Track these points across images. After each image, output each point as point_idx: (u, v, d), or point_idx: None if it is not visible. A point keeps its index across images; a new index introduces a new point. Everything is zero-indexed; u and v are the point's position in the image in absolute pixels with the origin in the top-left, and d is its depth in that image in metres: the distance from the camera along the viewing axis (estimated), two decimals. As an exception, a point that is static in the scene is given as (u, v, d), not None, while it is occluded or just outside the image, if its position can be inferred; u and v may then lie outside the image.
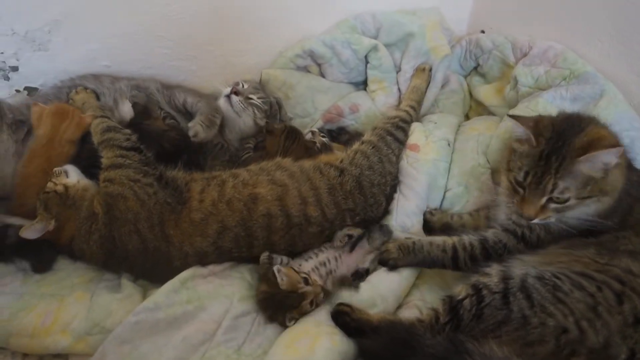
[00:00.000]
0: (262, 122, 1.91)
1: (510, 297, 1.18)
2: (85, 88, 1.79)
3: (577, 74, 1.82)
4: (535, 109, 1.78)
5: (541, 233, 1.42)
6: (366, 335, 1.31)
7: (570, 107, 1.79)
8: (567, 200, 1.28)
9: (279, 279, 1.38)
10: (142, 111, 1.80)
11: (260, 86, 2.02)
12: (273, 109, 1.96)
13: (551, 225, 1.38)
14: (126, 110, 1.80)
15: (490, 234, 1.49)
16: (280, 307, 1.39)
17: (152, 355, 1.31)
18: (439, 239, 1.53)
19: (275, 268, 1.39)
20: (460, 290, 1.26)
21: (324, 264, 1.50)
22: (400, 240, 1.58)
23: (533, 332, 1.14)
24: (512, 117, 1.41)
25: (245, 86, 1.93)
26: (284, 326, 1.38)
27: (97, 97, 1.81)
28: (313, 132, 1.83)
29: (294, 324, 1.37)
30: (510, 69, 2.06)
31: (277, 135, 1.83)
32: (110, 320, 1.39)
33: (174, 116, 1.87)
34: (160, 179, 1.52)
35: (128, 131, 1.60)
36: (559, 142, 1.29)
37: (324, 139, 1.83)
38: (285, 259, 1.51)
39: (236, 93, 1.87)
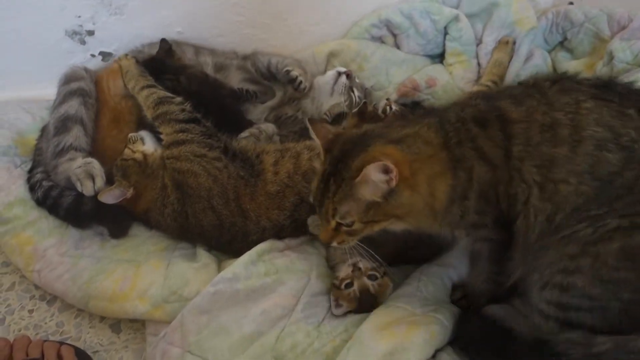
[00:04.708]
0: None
1: None
2: (126, 54, 1.72)
3: (685, 48, 1.66)
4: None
5: None
6: None
7: (675, 84, 1.65)
8: (352, 224, 1.10)
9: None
10: (168, 49, 1.75)
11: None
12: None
13: None
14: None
15: None
16: None
17: (231, 326, 1.29)
18: None
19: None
20: None
21: None
22: None
23: None
24: (310, 122, 1.19)
25: (357, 80, 1.91)
26: None
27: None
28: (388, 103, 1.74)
29: None
30: (604, 43, 1.91)
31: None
32: (187, 289, 1.37)
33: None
34: (226, 151, 1.47)
35: (179, 99, 1.52)
36: (341, 162, 1.07)
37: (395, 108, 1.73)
38: None
39: (348, 76, 1.84)
